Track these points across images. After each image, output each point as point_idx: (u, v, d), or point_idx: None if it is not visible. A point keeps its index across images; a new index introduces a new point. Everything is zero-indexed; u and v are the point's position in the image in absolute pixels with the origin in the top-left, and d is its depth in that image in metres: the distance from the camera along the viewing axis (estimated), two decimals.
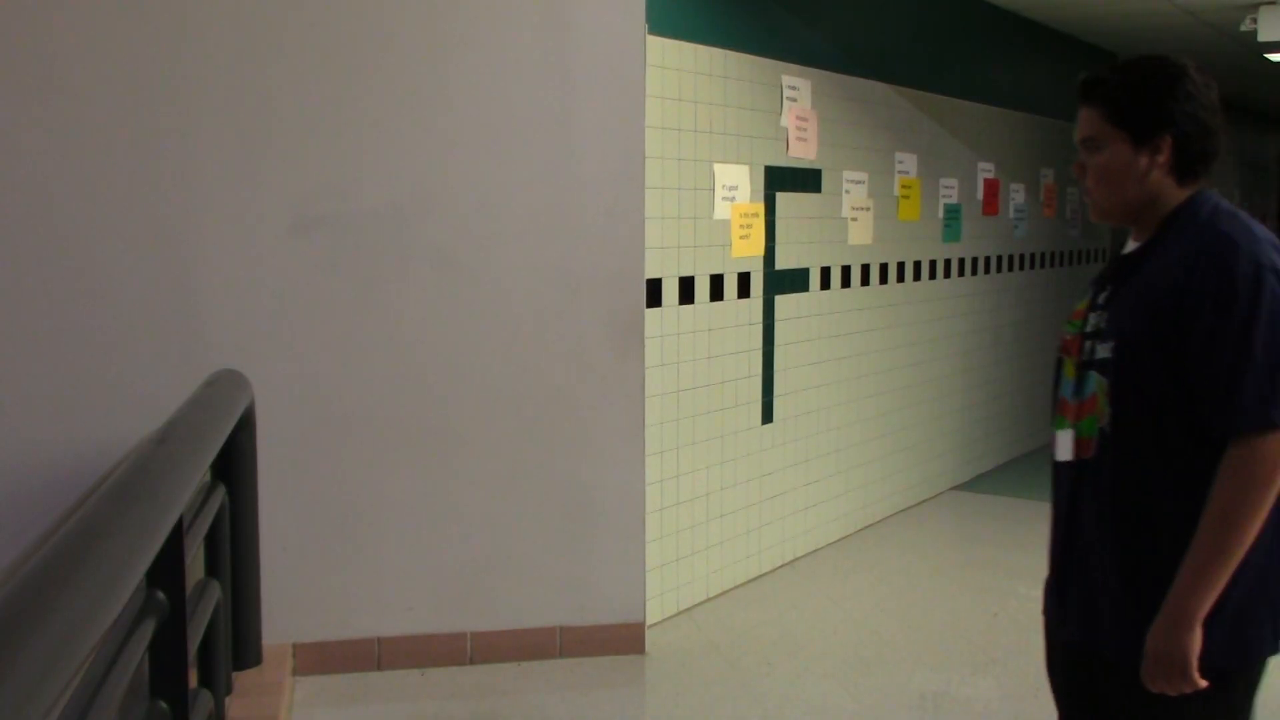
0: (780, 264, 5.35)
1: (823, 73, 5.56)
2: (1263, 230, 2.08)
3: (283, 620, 4.07)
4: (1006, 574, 5.48)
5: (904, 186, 6.30)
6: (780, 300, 5.37)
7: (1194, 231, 2.07)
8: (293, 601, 4.10)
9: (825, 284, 5.69)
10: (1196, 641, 1.98)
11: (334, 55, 4.03)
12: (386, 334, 4.13)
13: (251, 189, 3.99)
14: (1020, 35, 7.73)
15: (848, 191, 5.80)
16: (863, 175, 5.90)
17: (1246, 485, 1.96)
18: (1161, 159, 2.09)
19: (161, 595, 2.32)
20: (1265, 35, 7.14)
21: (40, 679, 1.44)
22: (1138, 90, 2.09)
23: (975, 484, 7.20)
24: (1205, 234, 2.05)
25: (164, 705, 2.31)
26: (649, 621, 4.54)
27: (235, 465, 3.65)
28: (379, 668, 4.22)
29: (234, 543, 3.63)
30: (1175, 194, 2.12)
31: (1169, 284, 2.03)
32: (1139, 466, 2.08)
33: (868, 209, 5.97)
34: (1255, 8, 7.03)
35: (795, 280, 5.47)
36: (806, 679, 4.23)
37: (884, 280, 6.19)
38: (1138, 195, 2.12)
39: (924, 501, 6.75)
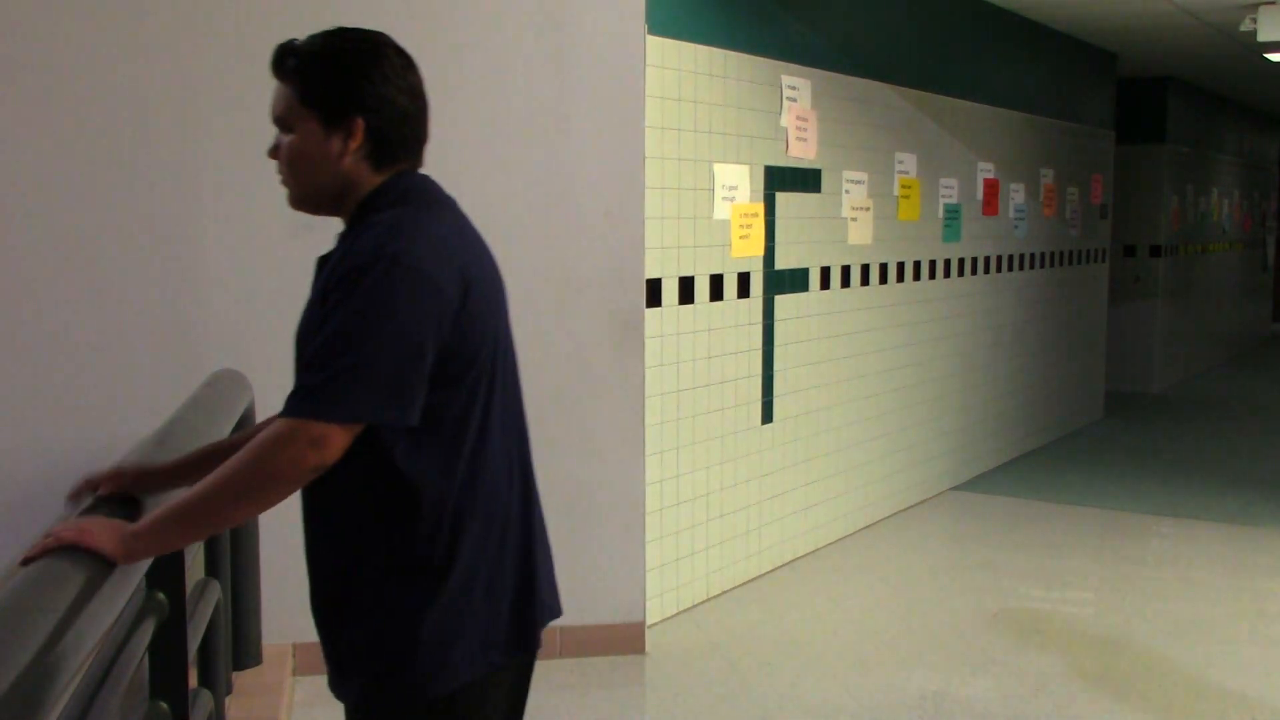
0: (780, 264, 5.35)
1: (823, 73, 5.56)
2: (441, 225, 1.94)
3: (283, 620, 4.07)
4: (1006, 574, 5.49)
5: (904, 186, 6.30)
6: (780, 300, 5.38)
7: (368, 220, 1.90)
8: (293, 601, 4.07)
9: (825, 284, 5.69)
10: (114, 546, 1.79)
11: None
12: None
13: (251, 189, 3.99)
14: (1020, 35, 7.73)
15: (848, 191, 5.81)
16: (863, 175, 5.90)
17: (265, 466, 1.78)
18: (354, 144, 1.92)
19: (161, 595, 2.32)
20: (1265, 35, 7.14)
21: (40, 679, 1.44)
22: (328, 69, 1.94)
23: (974, 484, 7.20)
24: (368, 224, 1.88)
25: (164, 705, 2.30)
26: (649, 621, 4.53)
27: None
28: None
29: (234, 543, 3.63)
30: (372, 180, 1.95)
31: (331, 281, 1.86)
32: (319, 490, 1.91)
33: (867, 209, 5.97)
34: (1255, 8, 7.04)
35: (795, 280, 5.47)
36: (806, 679, 4.23)
37: (884, 280, 6.19)
38: (331, 182, 1.94)
39: (923, 502, 6.75)
